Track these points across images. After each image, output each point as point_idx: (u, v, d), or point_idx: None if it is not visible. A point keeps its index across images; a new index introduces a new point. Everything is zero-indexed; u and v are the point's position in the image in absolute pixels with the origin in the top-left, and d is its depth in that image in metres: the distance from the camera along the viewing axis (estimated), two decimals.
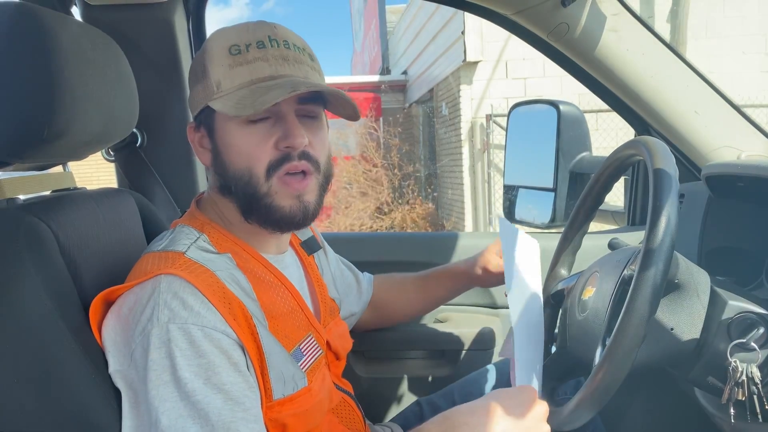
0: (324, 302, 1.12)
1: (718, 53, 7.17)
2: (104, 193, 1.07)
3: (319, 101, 0.95)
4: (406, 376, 1.60)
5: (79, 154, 1.04)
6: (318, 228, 1.27)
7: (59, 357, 0.78)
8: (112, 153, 1.51)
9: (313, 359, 0.99)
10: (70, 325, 0.80)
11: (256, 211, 0.92)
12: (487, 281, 1.35)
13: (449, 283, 1.38)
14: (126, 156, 1.51)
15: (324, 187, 0.97)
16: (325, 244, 1.28)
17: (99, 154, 1.28)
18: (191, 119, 1.00)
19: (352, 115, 0.97)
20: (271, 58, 0.90)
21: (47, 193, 1.04)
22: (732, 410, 0.83)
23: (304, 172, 0.92)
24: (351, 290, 1.32)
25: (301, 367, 0.95)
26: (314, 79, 0.93)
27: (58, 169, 1.09)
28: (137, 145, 1.49)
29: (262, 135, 0.90)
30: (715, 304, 0.89)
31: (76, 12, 1.42)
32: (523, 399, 0.87)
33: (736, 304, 0.88)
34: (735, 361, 0.83)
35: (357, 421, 1.12)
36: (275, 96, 0.85)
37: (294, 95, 0.86)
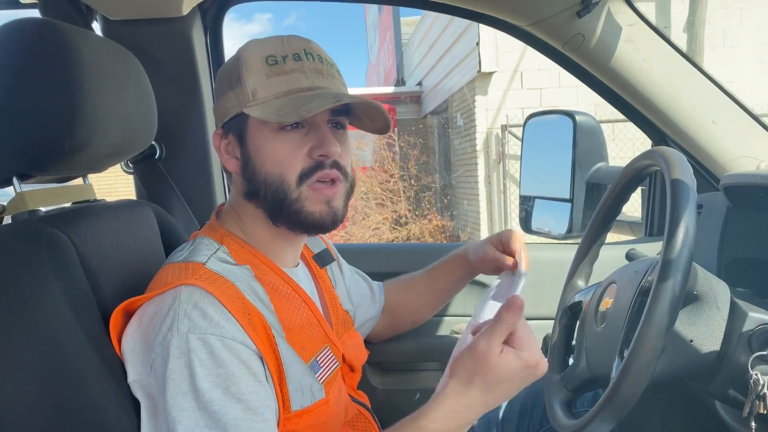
0: (336, 314, 1.12)
1: (736, 62, 7.11)
2: (123, 205, 1.08)
3: (347, 114, 0.98)
4: (422, 388, 1.60)
5: (99, 167, 1.05)
6: (333, 239, 1.28)
7: (79, 367, 0.79)
8: (131, 165, 1.53)
9: (329, 371, 0.99)
10: (89, 335, 0.80)
11: (285, 215, 0.94)
12: (489, 265, 1.30)
13: (456, 270, 1.36)
14: (145, 168, 1.53)
15: (349, 194, 1.00)
16: (339, 256, 1.28)
17: (118, 166, 1.30)
18: (213, 128, 1.02)
19: (381, 128, 1.01)
20: (307, 70, 0.93)
21: (68, 204, 1.05)
22: (753, 424, 0.82)
23: (333, 180, 0.95)
24: (366, 300, 1.32)
25: (319, 378, 0.95)
26: (344, 92, 0.96)
27: (79, 181, 1.10)
28: (156, 157, 1.51)
29: (296, 143, 0.93)
30: (735, 315, 0.88)
31: (96, 27, 1.44)
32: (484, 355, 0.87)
33: (757, 316, 0.87)
34: (756, 374, 0.82)
35: None
36: (319, 105, 0.87)
37: (338, 105, 0.89)
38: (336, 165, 0.94)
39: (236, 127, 0.96)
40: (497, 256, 1.25)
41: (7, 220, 0.93)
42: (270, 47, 0.94)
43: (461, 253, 1.35)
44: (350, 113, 0.98)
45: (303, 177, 0.93)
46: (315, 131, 0.94)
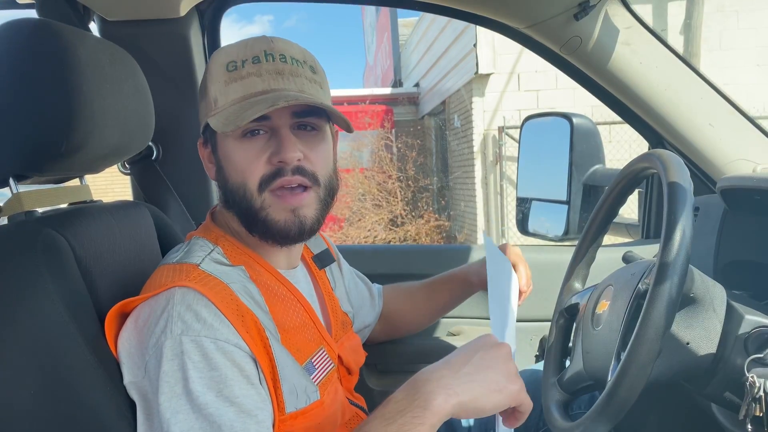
0: (335, 316, 1.12)
1: (733, 65, 7.13)
2: (120, 206, 1.08)
3: (320, 114, 0.94)
4: None
5: (96, 167, 1.05)
6: (330, 240, 1.28)
7: (75, 368, 0.79)
8: (127, 166, 1.53)
9: (324, 373, 0.99)
10: (85, 336, 0.80)
11: (255, 224, 0.93)
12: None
13: (455, 288, 1.37)
14: (141, 169, 1.52)
15: (326, 201, 0.97)
16: (340, 257, 1.28)
17: (115, 167, 1.30)
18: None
19: (346, 127, 0.96)
20: (264, 72, 0.91)
21: (64, 205, 1.05)
22: (749, 426, 0.82)
23: (301, 186, 0.92)
24: (365, 302, 1.32)
25: (314, 380, 0.95)
26: (312, 91, 0.93)
27: (75, 182, 1.10)
28: (152, 158, 1.51)
29: (257, 150, 0.91)
30: (731, 318, 0.88)
31: (93, 28, 1.44)
32: (483, 343, 0.84)
33: (753, 319, 0.87)
34: (752, 377, 0.82)
35: None
36: (256, 111, 0.85)
37: (273, 109, 0.86)
38: (299, 170, 0.91)
39: (210, 136, 0.96)
40: None
41: (3, 221, 0.93)
42: (233, 53, 0.93)
43: (463, 274, 1.36)
44: (322, 113, 0.94)
45: (263, 184, 0.90)
46: (275, 137, 0.91)
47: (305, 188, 0.92)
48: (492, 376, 0.80)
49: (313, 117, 0.94)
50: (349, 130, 0.95)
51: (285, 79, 0.91)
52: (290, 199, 0.91)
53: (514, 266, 1.25)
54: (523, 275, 1.25)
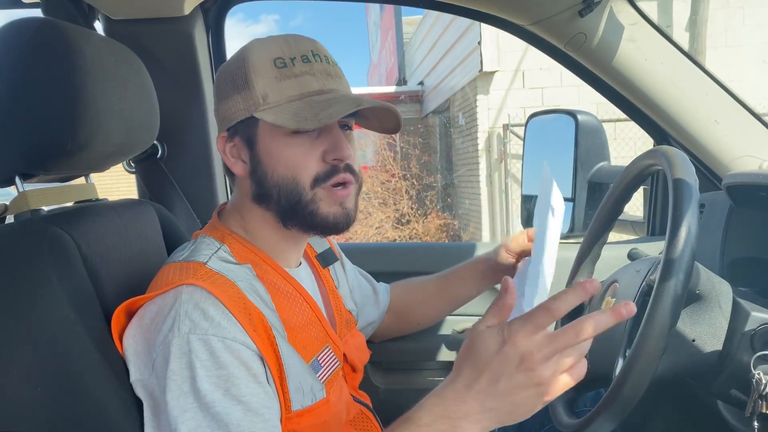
0: (339, 314, 1.12)
1: (738, 62, 7.10)
2: (126, 204, 1.08)
3: (354, 115, 0.97)
4: (424, 388, 1.59)
5: (102, 166, 1.05)
6: (336, 238, 1.28)
7: (81, 366, 0.79)
8: (133, 164, 1.53)
9: (330, 371, 0.99)
10: (91, 334, 0.81)
11: (299, 217, 0.94)
12: (501, 275, 1.30)
13: (469, 280, 1.36)
14: (147, 167, 1.53)
15: (358, 194, 1.01)
16: (343, 255, 1.28)
17: (120, 165, 1.30)
18: (215, 128, 1.01)
19: (392, 128, 1.01)
20: (317, 72, 0.93)
21: (70, 204, 1.06)
22: (756, 423, 0.82)
23: (347, 182, 0.95)
24: (368, 301, 1.32)
25: (320, 378, 0.95)
26: (358, 96, 0.96)
27: (81, 180, 1.10)
28: (158, 156, 1.51)
29: (308, 146, 0.92)
30: (737, 315, 0.88)
31: (98, 27, 1.44)
32: (487, 356, 0.72)
33: (760, 316, 0.87)
34: (759, 374, 0.82)
35: None
36: (340, 110, 0.87)
37: (358, 109, 0.89)
38: (349, 168, 0.95)
39: (244, 130, 0.95)
40: (511, 262, 1.26)
41: (10, 219, 0.93)
42: (276, 49, 0.93)
43: (476, 265, 1.35)
44: (357, 114, 0.97)
45: (318, 181, 0.92)
46: (327, 134, 0.93)
47: (348, 183, 0.95)
48: (522, 399, 0.71)
49: (350, 117, 0.97)
50: (395, 130, 1.01)
51: (334, 81, 0.94)
52: (339, 194, 0.94)
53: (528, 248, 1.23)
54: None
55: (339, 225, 0.96)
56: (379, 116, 0.99)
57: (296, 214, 0.94)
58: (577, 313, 1.12)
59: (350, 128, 0.99)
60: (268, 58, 0.92)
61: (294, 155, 0.92)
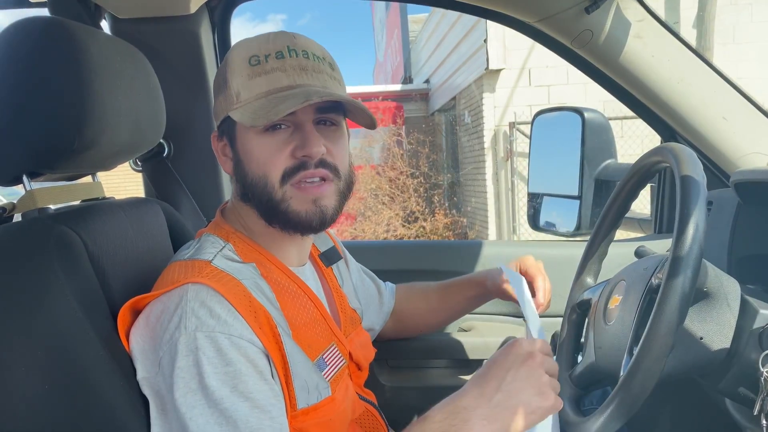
0: (344, 312, 1.12)
1: (746, 58, 7.06)
2: (132, 203, 1.09)
3: (339, 110, 0.96)
4: (429, 386, 1.60)
5: (108, 165, 1.06)
6: (341, 236, 1.28)
7: (88, 364, 0.79)
8: (139, 163, 1.54)
9: (336, 369, 0.99)
10: (98, 332, 0.81)
11: (275, 216, 0.94)
12: (505, 293, 1.32)
13: (471, 292, 1.37)
14: (153, 166, 1.53)
15: (344, 193, 0.98)
16: (347, 254, 1.28)
17: (127, 164, 1.30)
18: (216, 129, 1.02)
19: (370, 123, 0.97)
20: (289, 68, 0.92)
21: (77, 202, 1.06)
22: (764, 422, 0.82)
23: (322, 178, 0.93)
24: (373, 301, 1.32)
25: (325, 376, 0.95)
26: (333, 88, 0.94)
27: (88, 179, 1.11)
28: (164, 155, 1.51)
29: (280, 143, 0.92)
30: (745, 312, 0.87)
31: (104, 26, 1.45)
32: (514, 356, 0.85)
33: None
34: (767, 372, 0.82)
35: (381, 430, 1.11)
36: (289, 106, 0.86)
37: (308, 104, 0.87)
38: (323, 164, 0.93)
39: (227, 129, 0.96)
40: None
41: (17, 217, 0.93)
42: (255, 47, 0.93)
43: (480, 279, 1.35)
44: (340, 109, 0.96)
45: (285, 177, 0.91)
46: (299, 131, 0.92)
47: (325, 180, 0.94)
48: (524, 398, 0.82)
49: (333, 113, 0.95)
50: (372, 126, 0.97)
51: (309, 75, 0.92)
52: (311, 191, 0.93)
53: (532, 280, 1.23)
54: (541, 288, 1.23)
55: (311, 223, 0.93)
56: (357, 112, 0.96)
57: (272, 212, 0.93)
58: (583, 313, 1.12)
59: (335, 124, 0.97)
60: (245, 57, 0.93)
61: (265, 152, 0.92)
